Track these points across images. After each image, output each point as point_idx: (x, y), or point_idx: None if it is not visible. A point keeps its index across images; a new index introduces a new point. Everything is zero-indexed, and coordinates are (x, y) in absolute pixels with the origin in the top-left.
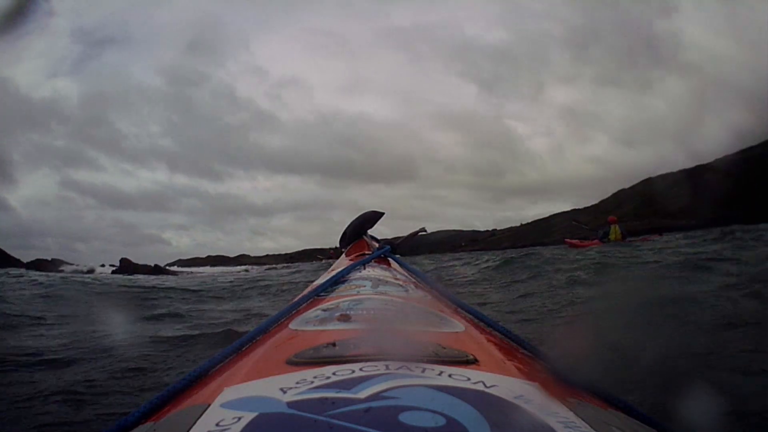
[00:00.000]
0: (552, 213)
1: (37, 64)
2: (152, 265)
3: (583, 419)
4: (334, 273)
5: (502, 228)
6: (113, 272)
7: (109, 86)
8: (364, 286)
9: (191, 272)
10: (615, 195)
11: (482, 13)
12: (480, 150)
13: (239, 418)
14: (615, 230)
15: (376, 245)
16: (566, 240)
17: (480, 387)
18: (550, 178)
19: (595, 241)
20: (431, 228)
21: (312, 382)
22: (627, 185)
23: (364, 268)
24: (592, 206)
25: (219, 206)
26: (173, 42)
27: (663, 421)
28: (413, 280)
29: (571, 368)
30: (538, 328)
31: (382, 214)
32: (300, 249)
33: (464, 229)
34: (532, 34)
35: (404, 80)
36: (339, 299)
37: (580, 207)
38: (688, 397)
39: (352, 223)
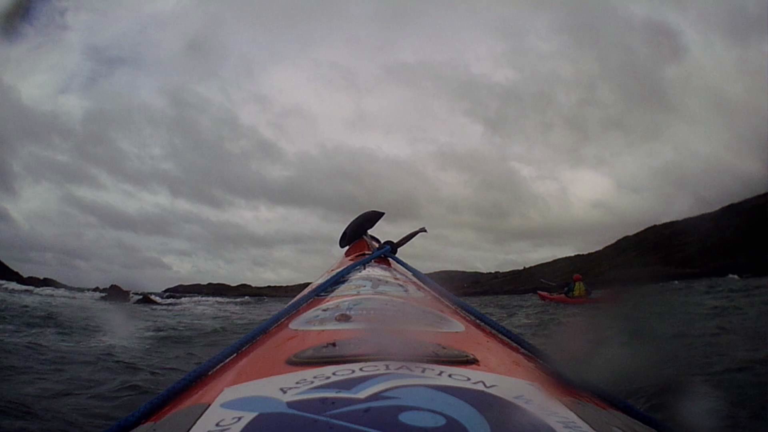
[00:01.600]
0: (555, 258)
1: (47, 78)
2: (141, 294)
3: (583, 419)
4: (334, 273)
5: (505, 271)
6: (101, 298)
7: (114, 104)
8: (364, 286)
9: (173, 303)
10: (619, 242)
11: (488, 51)
12: (484, 191)
13: (239, 418)
14: (579, 287)
15: (376, 245)
16: (539, 292)
17: (480, 387)
18: (555, 222)
19: (562, 295)
20: (432, 268)
21: (312, 382)
22: (631, 232)
23: (364, 268)
24: (596, 252)
25: (220, 234)
26: (179, 64)
27: (663, 421)
28: (413, 280)
29: (571, 368)
30: None
31: (382, 214)
32: (301, 282)
33: (466, 270)
34: (539, 75)
35: (409, 117)
36: (339, 299)
37: (584, 252)
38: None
39: (352, 223)
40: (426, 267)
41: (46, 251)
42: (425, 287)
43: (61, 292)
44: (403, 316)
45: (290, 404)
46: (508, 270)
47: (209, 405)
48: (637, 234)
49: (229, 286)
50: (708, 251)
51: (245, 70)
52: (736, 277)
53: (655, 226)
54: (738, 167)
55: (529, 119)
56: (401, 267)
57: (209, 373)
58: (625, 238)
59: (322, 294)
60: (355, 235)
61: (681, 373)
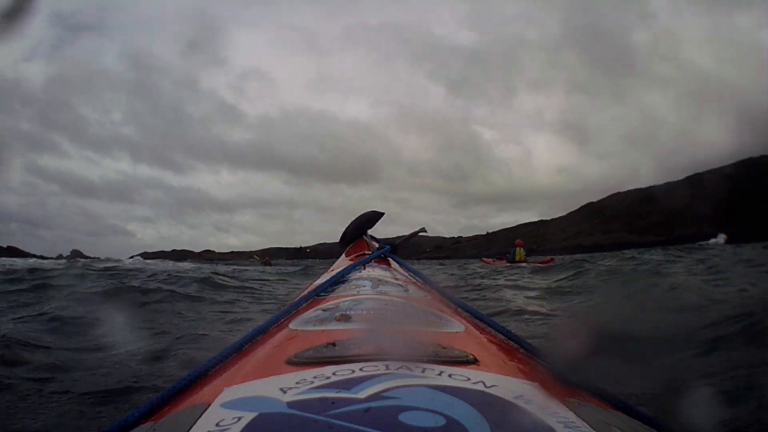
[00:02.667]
0: (519, 222)
1: (11, 46)
2: (102, 257)
3: (583, 419)
4: (334, 273)
5: (468, 235)
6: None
7: (75, 70)
8: (364, 286)
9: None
10: (582, 208)
11: (452, 13)
12: (446, 154)
13: (239, 418)
14: (520, 252)
15: (376, 245)
16: (483, 258)
17: (480, 387)
18: (517, 187)
19: (504, 261)
20: (394, 232)
21: (312, 382)
22: (595, 198)
23: (364, 268)
24: (560, 218)
25: (182, 199)
26: (142, 28)
27: (663, 421)
28: (413, 280)
29: (571, 368)
30: None
31: (382, 214)
32: (264, 247)
33: (429, 234)
34: (503, 37)
35: (370, 79)
36: (339, 299)
37: (547, 218)
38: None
39: (352, 223)
40: (387, 231)
41: (10, 222)
42: (425, 287)
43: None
44: (403, 316)
45: (290, 404)
46: (471, 235)
47: (209, 405)
48: (601, 200)
49: (192, 252)
50: (672, 219)
51: (205, 31)
52: (720, 241)
53: (619, 192)
54: (704, 137)
55: (493, 82)
56: (401, 267)
57: (209, 373)
58: (589, 205)
59: (322, 294)
60: (355, 236)
61: None
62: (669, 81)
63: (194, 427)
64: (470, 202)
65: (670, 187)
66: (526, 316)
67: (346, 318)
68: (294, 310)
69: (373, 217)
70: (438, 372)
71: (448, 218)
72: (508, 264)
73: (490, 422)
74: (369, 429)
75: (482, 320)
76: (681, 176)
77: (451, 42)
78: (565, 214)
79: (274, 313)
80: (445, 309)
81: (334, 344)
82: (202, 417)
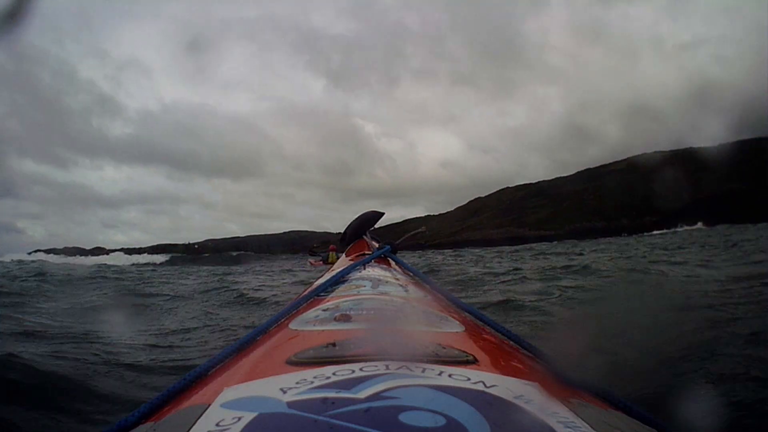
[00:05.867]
0: (405, 218)
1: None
2: None
3: (583, 419)
4: (334, 273)
5: None
6: None
7: None
8: (364, 286)
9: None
10: (471, 202)
11: (331, 1)
12: (328, 148)
13: (239, 418)
14: (332, 256)
15: (376, 245)
16: (310, 260)
17: (480, 387)
18: (402, 182)
19: (320, 262)
20: (280, 228)
21: (312, 382)
22: (483, 193)
23: (364, 268)
24: (448, 213)
25: (68, 196)
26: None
27: (663, 421)
28: (413, 280)
29: (571, 368)
30: None
31: (382, 214)
32: (153, 244)
33: (316, 230)
34: (384, 26)
35: (249, 72)
36: (339, 299)
37: (435, 213)
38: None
39: (352, 224)
40: (274, 227)
41: None
42: (425, 287)
43: None
44: (403, 316)
45: (290, 404)
46: None
47: (209, 405)
48: (490, 195)
49: (84, 249)
50: (563, 213)
51: (84, 21)
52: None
53: (507, 188)
54: (595, 132)
55: (374, 72)
56: (401, 267)
57: (209, 373)
58: (478, 199)
59: (322, 294)
60: (355, 236)
61: None
62: (558, 73)
63: (194, 427)
64: (355, 196)
65: (560, 182)
66: None
67: (346, 318)
68: (294, 310)
69: (373, 217)
70: (438, 372)
71: (333, 214)
72: (324, 266)
73: (490, 422)
74: (369, 429)
75: (482, 320)
76: (572, 171)
77: (330, 31)
78: (453, 209)
79: (274, 313)
80: (445, 309)
81: (334, 344)
82: (202, 417)
